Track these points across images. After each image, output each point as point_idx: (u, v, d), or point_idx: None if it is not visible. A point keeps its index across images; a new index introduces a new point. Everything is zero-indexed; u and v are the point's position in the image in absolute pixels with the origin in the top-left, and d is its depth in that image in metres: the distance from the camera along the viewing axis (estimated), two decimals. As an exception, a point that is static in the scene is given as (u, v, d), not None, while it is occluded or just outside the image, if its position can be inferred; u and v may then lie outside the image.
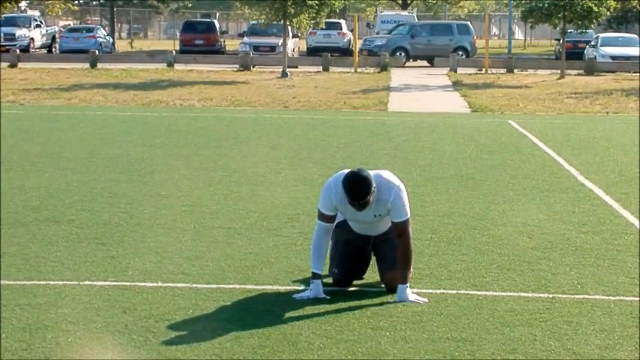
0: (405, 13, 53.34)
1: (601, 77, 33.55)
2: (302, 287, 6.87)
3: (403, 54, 41.57)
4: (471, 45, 42.14)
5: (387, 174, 6.80)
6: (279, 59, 34.35)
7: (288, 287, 6.94)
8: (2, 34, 43.77)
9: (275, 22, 33.97)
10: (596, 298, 6.79)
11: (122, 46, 59.11)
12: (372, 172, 6.74)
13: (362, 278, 7.09)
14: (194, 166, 12.87)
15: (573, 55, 39.76)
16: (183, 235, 8.57)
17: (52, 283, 6.94)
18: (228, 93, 26.07)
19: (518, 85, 29.97)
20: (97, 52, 39.27)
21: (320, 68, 36.24)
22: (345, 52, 46.48)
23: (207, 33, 49.16)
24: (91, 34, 48.10)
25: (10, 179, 11.48)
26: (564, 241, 8.60)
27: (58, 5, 47.96)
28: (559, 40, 39.26)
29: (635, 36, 41.06)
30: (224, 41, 51.68)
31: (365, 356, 5.57)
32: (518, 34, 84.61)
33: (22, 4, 52.13)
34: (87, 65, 35.83)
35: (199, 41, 48.08)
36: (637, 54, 37.14)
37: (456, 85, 30.04)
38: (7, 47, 40.64)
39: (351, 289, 6.93)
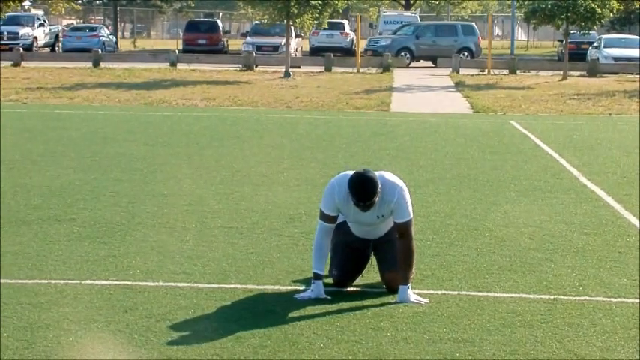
0: (408, 13, 53.32)
1: (603, 78, 33.53)
2: (303, 287, 6.87)
3: (408, 54, 41.58)
4: (476, 46, 42.13)
5: (389, 175, 6.79)
6: (282, 59, 34.34)
7: (289, 287, 6.94)
8: (5, 33, 43.79)
9: (278, 22, 33.97)
10: (598, 299, 6.78)
11: (125, 45, 59.14)
12: (375, 173, 6.73)
13: (362, 275, 7.09)
14: (196, 166, 12.87)
15: (576, 56, 39.74)
16: (184, 235, 8.56)
17: (53, 281, 6.94)
18: (231, 93, 26.07)
19: (521, 86, 29.95)
20: (100, 51, 39.31)
21: (322, 68, 36.24)
22: (348, 52, 46.49)
23: (210, 33, 49.18)
24: (94, 33, 48.15)
25: (12, 178, 11.48)
26: (566, 242, 8.59)
27: (61, 4, 48.03)
28: (562, 41, 39.26)
29: (637, 37, 41.02)
30: (227, 41, 51.70)
31: (366, 357, 5.57)
32: (521, 35, 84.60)
33: (26, 3, 52.15)
34: (90, 64, 35.86)
35: (202, 41, 48.09)
36: (639, 55, 37.11)
37: (459, 85, 30.03)
38: (10, 46, 40.65)
39: (352, 289, 6.93)
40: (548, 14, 32.57)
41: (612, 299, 6.80)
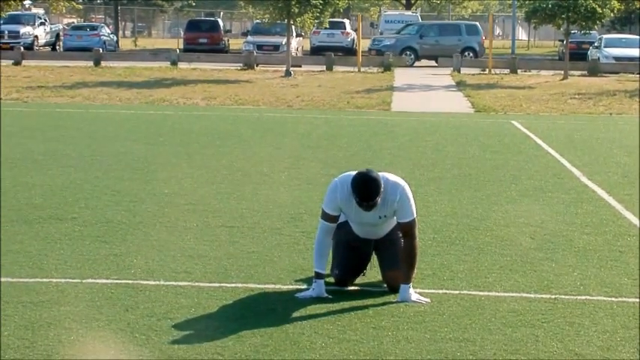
0: (409, 13, 53.31)
1: (604, 78, 33.53)
2: (304, 286, 6.87)
3: (411, 54, 41.62)
4: (480, 45, 42.14)
5: (391, 176, 6.79)
6: (283, 58, 34.34)
7: (290, 286, 6.94)
8: (6, 32, 43.79)
9: (279, 22, 33.97)
10: (599, 299, 6.79)
11: (126, 44, 59.13)
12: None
13: (364, 274, 7.09)
14: (197, 165, 12.87)
15: (577, 55, 39.73)
16: (186, 234, 8.57)
17: (54, 280, 6.94)
18: (232, 92, 26.07)
19: (522, 85, 29.95)
20: (100, 50, 39.29)
21: (323, 67, 36.23)
22: (349, 51, 46.48)
23: (211, 32, 49.15)
24: (95, 32, 48.14)
25: (13, 177, 11.49)
26: (567, 242, 8.59)
27: (62, 3, 48.00)
28: (562, 40, 39.24)
29: (638, 37, 41.01)
30: (228, 40, 51.68)
31: (367, 356, 5.57)
32: (522, 35, 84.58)
33: (26, 2, 52.12)
34: (91, 63, 35.86)
35: (203, 40, 48.07)
36: (640, 55, 37.13)
37: (460, 85, 30.03)
38: (11, 45, 40.65)
39: (353, 288, 6.93)
40: (549, 14, 32.56)
41: (613, 299, 6.80)
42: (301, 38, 46.52)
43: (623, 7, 35.91)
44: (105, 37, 48.07)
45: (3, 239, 8.15)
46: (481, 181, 11.91)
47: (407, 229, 6.71)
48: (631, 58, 37.29)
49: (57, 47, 48.86)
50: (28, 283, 6.87)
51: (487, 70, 36.24)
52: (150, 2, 72.71)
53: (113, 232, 8.60)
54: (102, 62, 36.27)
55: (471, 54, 41.56)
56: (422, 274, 7.23)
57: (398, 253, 6.79)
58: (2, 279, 6.92)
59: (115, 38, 53.23)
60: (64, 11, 54.79)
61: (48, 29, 49.07)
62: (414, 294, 6.65)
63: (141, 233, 8.58)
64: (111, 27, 60.78)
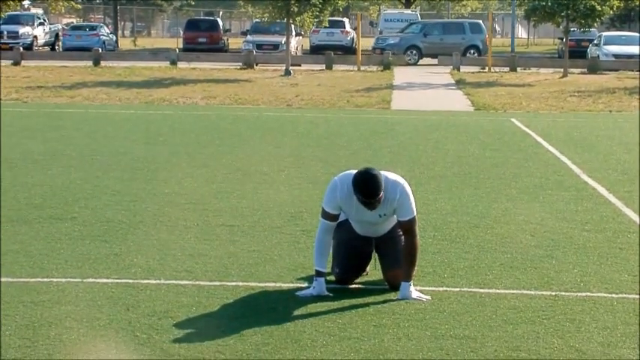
0: (409, 11, 53.30)
1: (604, 76, 33.53)
2: (305, 285, 6.88)
3: (416, 52, 41.72)
4: (483, 43, 42.18)
5: (390, 174, 6.80)
6: (282, 57, 34.34)
7: (291, 285, 6.95)
8: (5, 32, 43.79)
9: (278, 21, 33.98)
10: (599, 295, 6.80)
11: (125, 44, 59.13)
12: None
13: (365, 274, 7.10)
14: (197, 164, 12.87)
15: (576, 53, 39.73)
16: (186, 233, 8.57)
17: (55, 280, 6.95)
18: (232, 91, 26.07)
19: (521, 83, 29.96)
20: (100, 50, 39.30)
21: (323, 66, 36.24)
22: (349, 50, 46.50)
23: (211, 31, 49.16)
24: (95, 32, 48.15)
25: (13, 177, 11.49)
26: (567, 239, 8.60)
27: (61, 3, 47.95)
28: (562, 38, 39.24)
29: (637, 34, 41.01)
30: (227, 39, 51.69)
31: (368, 354, 5.58)
32: (522, 33, 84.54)
33: (25, 2, 52.09)
34: (90, 63, 35.86)
35: (202, 39, 48.08)
36: (639, 52, 37.10)
37: (459, 83, 30.03)
38: (10, 45, 40.64)
39: (354, 286, 6.94)
40: (549, 12, 32.56)
41: (613, 295, 6.81)
42: (301, 37, 46.52)
43: (622, 5, 35.88)
44: (104, 37, 48.08)
45: (3, 239, 8.16)
46: (481, 179, 11.92)
47: (407, 228, 6.72)
48: (630, 56, 37.29)
49: (56, 47, 48.86)
50: (28, 283, 6.88)
51: (487, 68, 36.25)
52: (149, 2, 72.72)
53: (113, 231, 8.61)
54: (101, 62, 36.28)
55: (475, 52, 41.63)
56: (422, 271, 7.24)
57: (398, 252, 6.80)
58: (3, 279, 6.93)
59: (115, 38, 53.23)
60: (63, 11, 54.75)
61: (47, 29, 49.07)
62: (414, 292, 6.66)
63: (141, 232, 8.59)
64: (110, 27, 60.77)
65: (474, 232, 8.83)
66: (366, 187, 6.51)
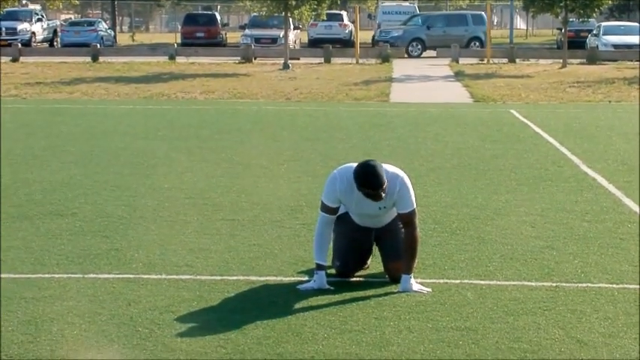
0: (406, 4, 53.30)
1: (603, 66, 33.50)
2: (306, 278, 6.89)
3: (419, 45, 41.82)
4: (486, 35, 42.22)
5: (389, 167, 6.80)
6: (281, 51, 34.32)
7: (291, 278, 6.96)
8: (4, 29, 43.75)
9: (276, 14, 33.94)
10: (600, 286, 6.81)
11: (124, 39, 59.08)
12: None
13: (366, 268, 7.11)
14: (196, 159, 12.88)
15: (575, 44, 39.69)
16: (186, 228, 8.58)
17: (56, 276, 6.96)
18: (230, 85, 26.06)
19: (520, 74, 29.94)
20: (98, 45, 39.27)
21: (321, 60, 36.21)
22: (347, 43, 46.45)
23: (209, 25, 49.13)
24: (93, 27, 48.09)
25: (13, 173, 11.50)
26: (567, 230, 8.61)
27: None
28: (561, 29, 39.22)
29: (636, 24, 40.99)
30: (225, 34, 51.65)
31: (369, 346, 5.59)
32: (520, 24, 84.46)
33: (23, -1, 52.09)
34: (88, 59, 35.83)
35: (201, 34, 48.06)
36: (639, 42, 37.08)
37: (458, 75, 30.01)
38: (8, 41, 40.62)
39: (354, 279, 6.95)
40: (547, 2, 32.53)
41: (614, 286, 6.82)
42: (299, 31, 46.50)
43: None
44: (102, 33, 48.02)
45: (4, 235, 8.17)
46: (481, 171, 11.93)
47: (407, 220, 6.73)
48: (630, 46, 37.27)
49: (54, 43, 48.84)
50: (30, 279, 6.89)
51: (485, 59, 36.22)
52: (147, -3, 72.58)
53: (114, 226, 8.61)
54: (100, 58, 36.26)
55: (478, 44, 41.68)
56: (423, 264, 7.25)
57: (399, 244, 6.81)
58: (4, 275, 6.94)
59: (113, 33, 53.19)
60: (60, 7, 54.73)
61: (45, 25, 49.04)
62: (415, 284, 6.67)
63: (142, 228, 8.60)
64: (108, 22, 60.68)
65: (474, 223, 8.84)
66: (370, 178, 6.51)
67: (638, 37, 37.92)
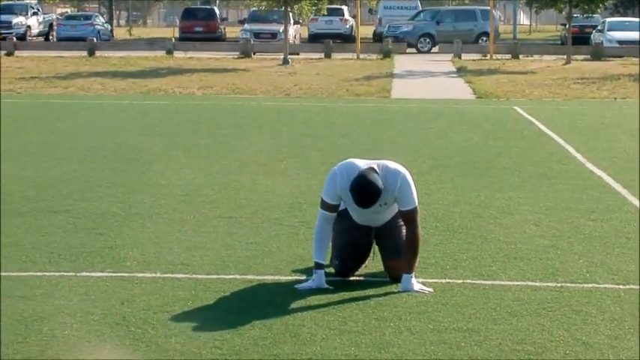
0: (408, -2, 53.22)
1: (608, 62, 33.48)
2: (304, 277, 6.83)
3: (429, 40, 41.99)
4: (495, 30, 42.29)
5: (391, 163, 6.77)
6: (281, 46, 34.28)
7: (289, 277, 6.90)
8: (-1, 23, 43.71)
9: (276, 9, 33.91)
10: (606, 286, 6.75)
11: (121, 33, 59.07)
12: (375, 162, 6.69)
13: (365, 266, 7.05)
14: (194, 155, 12.82)
15: (580, 40, 39.68)
16: (182, 225, 8.53)
17: (48, 274, 6.90)
18: (229, 80, 26.02)
19: (524, 70, 29.90)
20: (95, 40, 39.22)
21: (322, 55, 36.19)
22: (348, 38, 46.43)
23: (207, 20, 49.09)
24: (89, 21, 48.09)
25: (6, 169, 11.44)
26: (572, 229, 8.55)
27: (55, -7, 47.91)
28: (565, 25, 39.18)
29: (642, 20, 40.94)
30: (224, 28, 51.63)
31: (369, 347, 5.53)
32: (524, 20, 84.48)
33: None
34: (85, 53, 35.82)
35: (199, 28, 48.01)
36: (644, 38, 37.06)
37: (460, 71, 29.98)
38: (3, 35, 40.56)
39: (354, 279, 6.89)
40: (551, -2, 32.50)
41: (620, 286, 6.76)
42: (299, 26, 46.46)
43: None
44: (99, 27, 48.01)
45: (-5, 233, 8.11)
46: (484, 168, 11.87)
47: (408, 218, 6.67)
48: (635, 42, 37.21)
49: (50, 37, 48.79)
50: (21, 277, 6.82)
51: (488, 55, 36.18)
52: (144, -9, 72.55)
53: (108, 224, 8.55)
54: (96, 52, 36.25)
55: (486, 39, 41.75)
56: (424, 263, 7.19)
57: (399, 242, 6.76)
58: (-5, 273, 6.88)
59: (110, 27, 53.15)
60: (57, 0, 54.68)
61: (41, 19, 48.99)
62: (416, 284, 6.62)
63: (137, 225, 8.54)
64: (105, 16, 60.66)
65: (476, 222, 8.78)
66: (364, 200, 6.48)
67: (643, 32, 37.88)
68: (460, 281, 6.83)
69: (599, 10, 34.24)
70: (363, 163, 6.70)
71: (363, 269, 7.03)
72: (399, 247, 6.73)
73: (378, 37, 45.00)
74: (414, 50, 41.48)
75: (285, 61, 31.78)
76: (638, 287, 6.75)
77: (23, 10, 47.24)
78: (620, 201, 9.87)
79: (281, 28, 37.07)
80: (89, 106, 19.97)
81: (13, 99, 21.18)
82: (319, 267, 6.65)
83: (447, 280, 6.85)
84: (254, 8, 41.11)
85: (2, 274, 6.90)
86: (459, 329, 5.82)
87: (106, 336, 5.66)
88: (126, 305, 6.21)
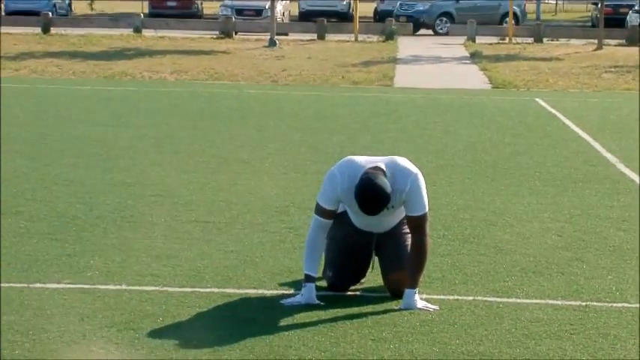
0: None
1: (646, 48, 33.57)
2: (292, 291, 6.89)
3: (447, 20, 41.86)
4: (521, 10, 42.31)
5: (402, 160, 6.76)
6: (267, 25, 34.33)
7: (275, 291, 6.96)
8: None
9: (261, -19, 33.96)
10: (637, 306, 6.82)
11: (80, 7, 59.01)
12: (382, 159, 6.71)
13: (362, 283, 7.10)
14: (166, 150, 12.88)
15: (613, 21, 39.80)
16: (152, 230, 8.58)
17: (-4, 285, 6.95)
18: (206, 64, 26.07)
19: (548, 57, 30.00)
20: (50, 14, 39.21)
21: (314, 36, 36.25)
22: (344, 17, 46.48)
23: (182, -7, 49.12)
24: (44, -7, 48.02)
25: (-53, 164, 11.48)
26: (600, 240, 8.62)
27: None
28: (597, 4, 39.29)
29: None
30: (201, 4, 51.65)
31: (365, 373, 5.60)
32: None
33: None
34: (38, 30, 35.82)
35: (172, 3, 48.05)
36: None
37: (474, 56, 30.07)
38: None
39: (349, 293, 6.95)
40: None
41: (654, 306, 6.83)
42: (288, 2, 46.49)
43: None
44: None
45: (-64, 237, 8.16)
46: (499, 169, 11.95)
47: (416, 225, 6.70)
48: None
49: (-2, 11, 48.75)
50: (-35, 289, 6.87)
51: (507, 39, 36.28)
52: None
53: (66, 228, 8.60)
54: (52, 29, 36.25)
55: (513, 20, 41.85)
56: (429, 276, 7.26)
57: (403, 252, 6.79)
58: None
59: (68, 0, 53.11)
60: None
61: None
62: (419, 301, 6.67)
63: (99, 230, 8.59)
64: (63, -12, 60.59)
65: (490, 230, 8.85)
66: (370, 206, 6.49)
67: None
68: (470, 298, 6.90)
69: (636, -13, 34.41)
70: (364, 161, 6.72)
71: (359, 283, 7.09)
72: (403, 257, 6.78)
73: (379, 16, 44.98)
74: (424, 32, 41.48)
75: (272, 43, 31.84)
76: (674, 307, 6.83)
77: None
78: (655, 208, 9.95)
79: (267, 4, 37.14)
80: (43, 91, 20.00)
81: (-45, 83, 21.21)
82: (309, 280, 6.70)
83: (456, 297, 6.92)
84: (236, -19, 41.21)
85: (-56, 284, 6.96)
86: (468, 353, 5.89)
87: (63, 356, 5.71)
88: (86, 322, 6.26)
